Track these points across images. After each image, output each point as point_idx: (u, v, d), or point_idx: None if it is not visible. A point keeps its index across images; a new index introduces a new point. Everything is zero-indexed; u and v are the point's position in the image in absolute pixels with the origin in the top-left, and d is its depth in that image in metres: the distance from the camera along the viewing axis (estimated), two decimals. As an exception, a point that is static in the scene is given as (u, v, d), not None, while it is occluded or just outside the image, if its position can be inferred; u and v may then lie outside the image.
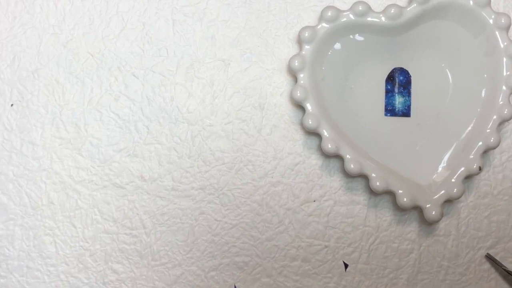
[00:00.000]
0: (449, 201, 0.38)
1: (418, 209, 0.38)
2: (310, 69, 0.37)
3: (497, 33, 0.37)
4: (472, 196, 0.39)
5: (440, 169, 0.38)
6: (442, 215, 0.37)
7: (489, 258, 0.39)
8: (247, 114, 0.39)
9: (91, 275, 0.38)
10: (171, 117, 0.39)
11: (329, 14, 0.37)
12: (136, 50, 0.39)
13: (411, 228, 0.39)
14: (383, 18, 0.37)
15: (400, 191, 0.36)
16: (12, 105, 0.39)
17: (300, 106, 0.38)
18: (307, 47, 0.37)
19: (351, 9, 0.37)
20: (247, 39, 0.39)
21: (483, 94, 0.38)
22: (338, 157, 0.38)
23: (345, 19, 0.37)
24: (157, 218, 0.38)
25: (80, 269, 0.38)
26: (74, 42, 0.39)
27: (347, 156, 0.36)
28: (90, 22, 0.39)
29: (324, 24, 0.37)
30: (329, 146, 0.36)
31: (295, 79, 0.38)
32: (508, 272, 0.38)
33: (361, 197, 0.39)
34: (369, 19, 0.37)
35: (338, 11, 0.37)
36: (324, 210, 0.39)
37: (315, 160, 0.39)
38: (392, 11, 0.37)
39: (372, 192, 0.38)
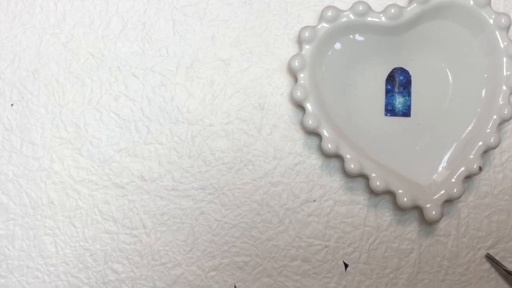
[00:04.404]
0: (449, 201, 0.38)
1: (418, 209, 0.38)
2: (310, 69, 0.37)
3: (497, 33, 0.37)
4: (472, 196, 0.39)
5: (440, 169, 0.38)
6: (442, 215, 0.37)
7: (489, 258, 0.39)
8: (247, 114, 0.39)
9: (91, 275, 0.38)
10: (171, 117, 0.39)
11: (329, 14, 0.37)
12: (136, 50, 0.39)
13: (411, 228, 0.39)
14: (383, 18, 0.37)
15: (400, 191, 0.36)
16: (12, 105, 0.39)
17: (300, 106, 0.38)
18: (307, 47, 0.37)
19: (351, 9, 0.37)
20: (247, 39, 0.39)
21: (483, 94, 0.38)
22: (338, 157, 0.38)
23: (345, 19, 0.37)
24: (157, 218, 0.38)
25: (80, 269, 0.38)
26: (74, 42, 0.39)
27: (347, 156, 0.36)
28: (90, 22, 0.39)
29: (324, 24, 0.37)
30: (329, 146, 0.36)
31: (295, 79, 0.38)
32: (508, 272, 0.38)
33: (361, 197, 0.39)
34: (369, 19, 0.37)
35: (338, 11, 0.37)
36: (324, 210, 0.39)
37: (315, 160, 0.39)
38: (392, 11, 0.37)
39: (372, 192, 0.38)
